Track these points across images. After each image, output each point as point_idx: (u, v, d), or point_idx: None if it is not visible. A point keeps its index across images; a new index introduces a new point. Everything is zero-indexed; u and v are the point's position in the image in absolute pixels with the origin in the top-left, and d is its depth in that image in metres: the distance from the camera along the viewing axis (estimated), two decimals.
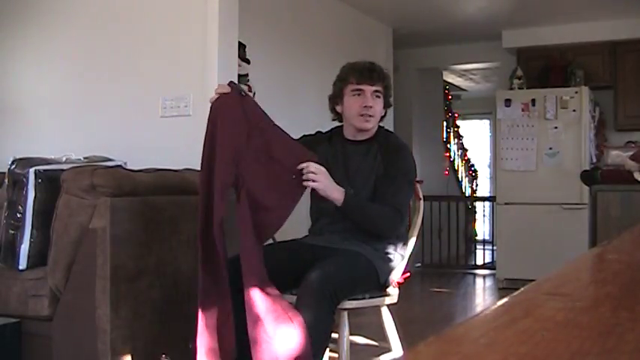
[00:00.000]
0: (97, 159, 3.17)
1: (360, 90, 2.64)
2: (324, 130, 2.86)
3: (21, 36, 4.27)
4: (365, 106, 2.62)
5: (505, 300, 0.85)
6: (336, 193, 2.45)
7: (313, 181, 2.40)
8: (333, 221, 2.60)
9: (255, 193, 2.38)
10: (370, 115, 2.64)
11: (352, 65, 2.70)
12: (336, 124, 2.81)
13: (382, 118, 2.73)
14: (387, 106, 2.73)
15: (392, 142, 2.71)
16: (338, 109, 2.73)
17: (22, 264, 2.84)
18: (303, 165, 2.41)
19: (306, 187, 2.43)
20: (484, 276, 7.25)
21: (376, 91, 2.65)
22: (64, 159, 3.04)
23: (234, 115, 2.44)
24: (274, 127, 2.51)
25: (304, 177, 2.40)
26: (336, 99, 2.73)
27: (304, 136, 2.78)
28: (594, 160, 6.15)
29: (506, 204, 6.18)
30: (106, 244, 2.54)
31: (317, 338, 2.19)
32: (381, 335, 2.69)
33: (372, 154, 2.65)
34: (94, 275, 2.56)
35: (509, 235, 6.14)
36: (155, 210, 2.74)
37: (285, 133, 2.54)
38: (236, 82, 3.78)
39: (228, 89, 2.47)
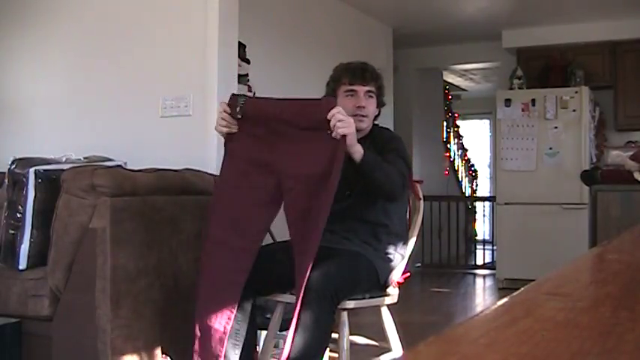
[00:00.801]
0: (97, 159, 3.17)
1: (352, 90, 2.65)
2: None
3: (20, 36, 4.27)
4: (358, 107, 2.63)
5: (505, 300, 0.85)
6: (358, 145, 2.36)
7: (343, 128, 2.26)
8: (333, 221, 2.60)
9: (303, 171, 2.30)
10: (363, 115, 2.65)
11: (345, 66, 2.71)
12: None
13: (376, 117, 2.74)
14: (380, 105, 2.74)
15: (385, 135, 2.75)
16: None
17: (22, 264, 2.83)
18: (331, 114, 2.26)
19: (345, 135, 2.27)
20: (484, 276, 7.25)
21: (369, 91, 2.66)
22: (64, 159, 3.04)
23: (243, 149, 2.40)
24: (286, 103, 2.39)
25: (334, 129, 2.26)
26: None
27: None
28: (594, 160, 6.15)
29: (506, 204, 6.17)
30: (106, 244, 2.54)
31: (317, 338, 2.19)
32: (381, 335, 2.69)
33: (365, 149, 2.67)
34: (94, 275, 2.56)
35: (509, 235, 6.14)
36: (155, 210, 2.74)
37: (297, 98, 2.45)
38: (236, 81, 3.79)
39: (227, 111, 2.39)
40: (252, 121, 2.37)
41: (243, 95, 2.46)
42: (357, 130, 2.66)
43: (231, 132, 2.39)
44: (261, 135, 2.37)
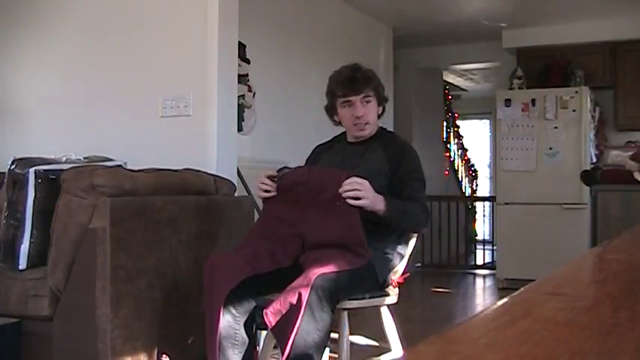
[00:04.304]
0: (97, 159, 3.16)
1: (348, 101, 2.67)
2: (323, 136, 2.94)
3: (20, 36, 4.27)
4: (357, 117, 2.66)
5: (505, 300, 0.85)
6: (380, 203, 2.43)
7: (359, 198, 2.37)
8: None
9: (323, 239, 2.43)
10: (365, 123, 2.68)
11: (337, 76, 2.71)
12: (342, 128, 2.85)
13: (382, 114, 2.75)
14: (381, 103, 2.74)
15: (397, 141, 2.76)
16: (336, 118, 2.78)
17: (22, 264, 2.83)
18: (344, 186, 2.37)
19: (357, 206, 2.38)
20: (484, 276, 7.25)
21: (365, 97, 2.66)
22: (64, 159, 3.04)
23: (276, 209, 2.57)
24: (310, 171, 2.56)
25: (349, 195, 2.37)
26: (331, 110, 2.78)
27: (308, 158, 2.88)
28: (594, 160, 6.15)
29: (506, 204, 6.17)
30: (106, 244, 2.54)
31: (317, 338, 2.19)
32: (381, 335, 2.69)
33: (371, 151, 2.68)
34: (94, 275, 2.56)
35: (509, 235, 6.13)
36: (155, 210, 2.74)
37: (318, 168, 2.62)
38: (236, 81, 3.79)
39: (270, 185, 2.55)
40: (286, 187, 2.54)
41: (287, 168, 2.61)
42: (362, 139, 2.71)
43: (270, 195, 2.55)
44: (292, 201, 2.53)
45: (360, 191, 2.37)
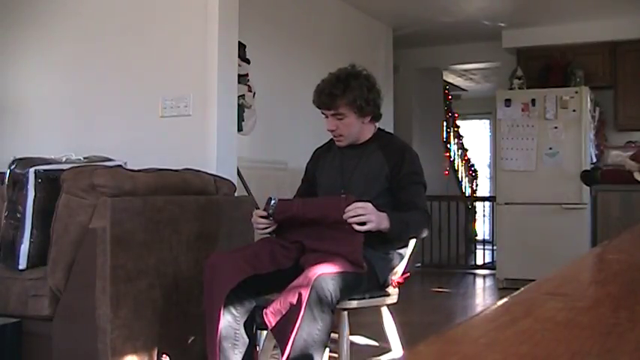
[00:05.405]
0: (97, 159, 3.16)
1: (323, 112, 2.67)
2: (322, 136, 2.93)
3: (20, 36, 4.27)
4: (329, 129, 2.67)
5: (505, 300, 0.85)
6: (384, 221, 2.42)
7: (365, 223, 2.36)
8: None
9: (324, 247, 2.43)
10: (339, 135, 2.66)
11: (317, 85, 2.67)
12: None
13: (376, 119, 2.72)
14: (365, 114, 2.64)
15: (396, 143, 2.74)
16: None
17: (22, 264, 2.83)
18: (348, 212, 2.35)
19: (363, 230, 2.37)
20: (484, 276, 7.25)
21: (335, 114, 2.62)
22: (64, 159, 3.04)
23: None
24: (304, 204, 2.55)
25: (355, 221, 2.35)
26: None
27: (308, 163, 2.87)
28: (594, 160, 6.15)
29: (506, 204, 6.17)
30: (106, 244, 2.54)
31: (317, 338, 2.19)
32: (381, 335, 2.70)
33: (368, 154, 2.67)
34: (94, 275, 2.56)
35: (509, 235, 6.13)
36: (155, 210, 2.74)
37: (311, 199, 2.64)
38: (236, 81, 3.79)
39: (261, 215, 2.55)
40: (282, 220, 2.55)
41: (274, 198, 2.56)
42: (348, 144, 2.70)
43: (271, 230, 2.57)
44: (295, 223, 2.54)
45: (365, 215, 2.36)
